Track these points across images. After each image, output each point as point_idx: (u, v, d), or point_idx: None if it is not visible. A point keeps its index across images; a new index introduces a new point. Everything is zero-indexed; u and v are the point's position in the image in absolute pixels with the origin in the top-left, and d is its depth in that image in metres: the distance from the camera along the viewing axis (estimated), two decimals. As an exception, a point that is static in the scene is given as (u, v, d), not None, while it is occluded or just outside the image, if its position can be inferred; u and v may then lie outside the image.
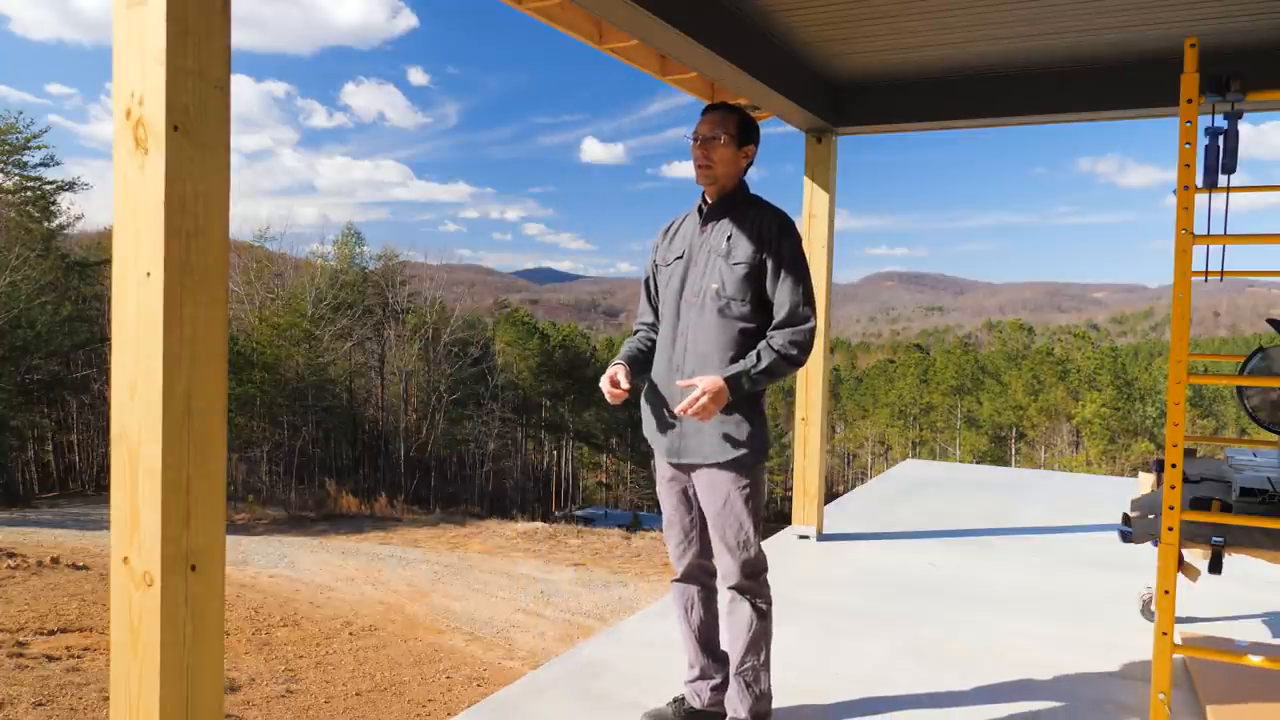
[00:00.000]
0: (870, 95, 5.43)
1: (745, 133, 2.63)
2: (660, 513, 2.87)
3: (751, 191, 2.74)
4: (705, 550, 2.76)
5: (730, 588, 2.64)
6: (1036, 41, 4.56)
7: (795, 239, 2.62)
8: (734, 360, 2.55)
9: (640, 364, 2.77)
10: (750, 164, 2.68)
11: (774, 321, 2.58)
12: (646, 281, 2.86)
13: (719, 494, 2.59)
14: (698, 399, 2.40)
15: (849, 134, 5.58)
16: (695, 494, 2.69)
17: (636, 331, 2.88)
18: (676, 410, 2.44)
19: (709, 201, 2.68)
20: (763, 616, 2.63)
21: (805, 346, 2.54)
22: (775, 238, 2.58)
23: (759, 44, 4.45)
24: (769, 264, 2.56)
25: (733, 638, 2.66)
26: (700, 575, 2.82)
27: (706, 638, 2.86)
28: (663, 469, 2.74)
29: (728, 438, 2.55)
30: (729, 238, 2.61)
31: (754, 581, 2.63)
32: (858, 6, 4.14)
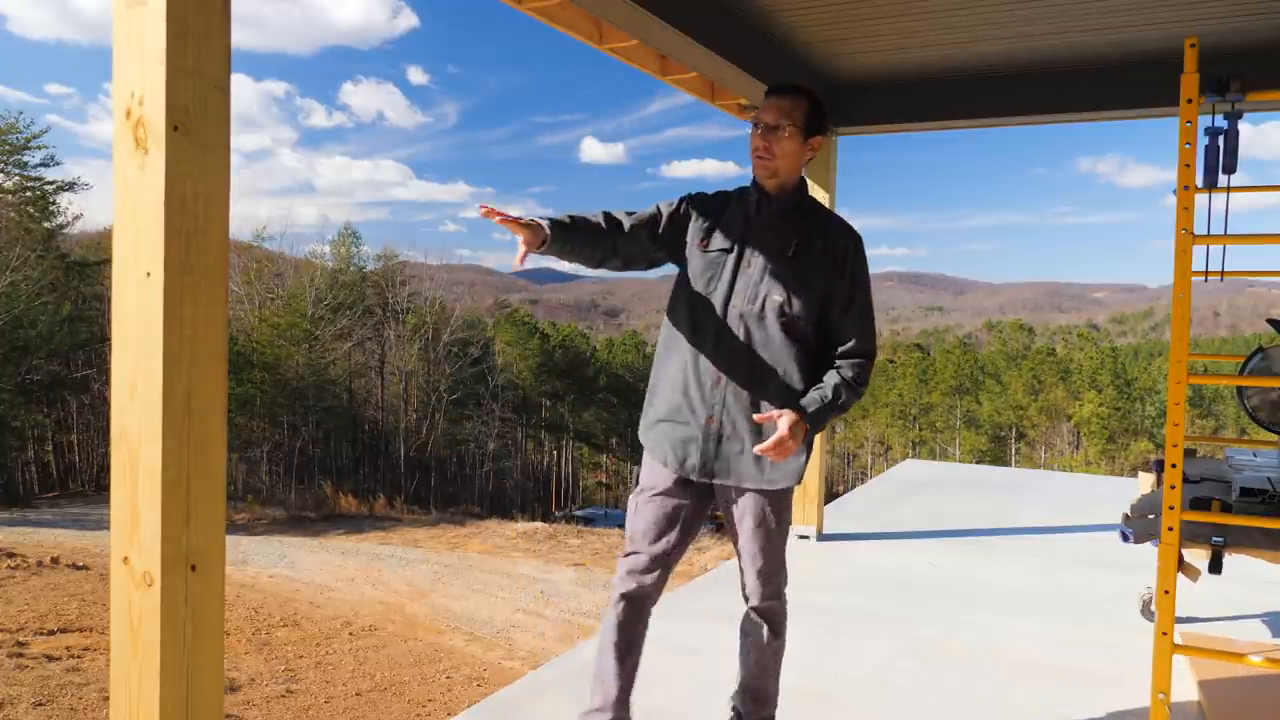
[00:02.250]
0: (870, 95, 5.43)
1: (813, 124, 2.35)
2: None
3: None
4: (668, 573, 2.47)
5: (753, 608, 2.52)
6: (1037, 41, 4.56)
7: (867, 262, 2.43)
8: (795, 384, 2.33)
9: (572, 233, 2.22)
10: (814, 156, 2.42)
11: (840, 350, 2.37)
12: (655, 216, 2.42)
13: (758, 515, 2.40)
14: (783, 440, 2.16)
15: (849, 134, 5.58)
16: (691, 514, 2.42)
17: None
18: (757, 449, 2.17)
19: (768, 195, 2.38)
20: (778, 635, 2.54)
21: (868, 381, 2.40)
22: (852, 260, 2.37)
23: (759, 44, 4.45)
24: (843, 288, 2.34)
25: (744, 652, 2.57)
26: (650, 605, 2.48)
27: (632, 682, 2.46)
28: (662, 481, 2.41)
29: (784, 462, 2.32)
30: (797, 245, 2.34)
31: (777, 601, 2.52)
32: (858, 6, 4.15)
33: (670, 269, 2.54)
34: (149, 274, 1.61)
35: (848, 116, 5.47)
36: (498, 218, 2.04)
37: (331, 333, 39.77)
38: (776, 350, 2.31)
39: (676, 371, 2.40)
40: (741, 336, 2.32)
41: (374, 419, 42.02)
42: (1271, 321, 3.27)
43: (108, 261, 19.11)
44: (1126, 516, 3.16)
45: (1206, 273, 2.57)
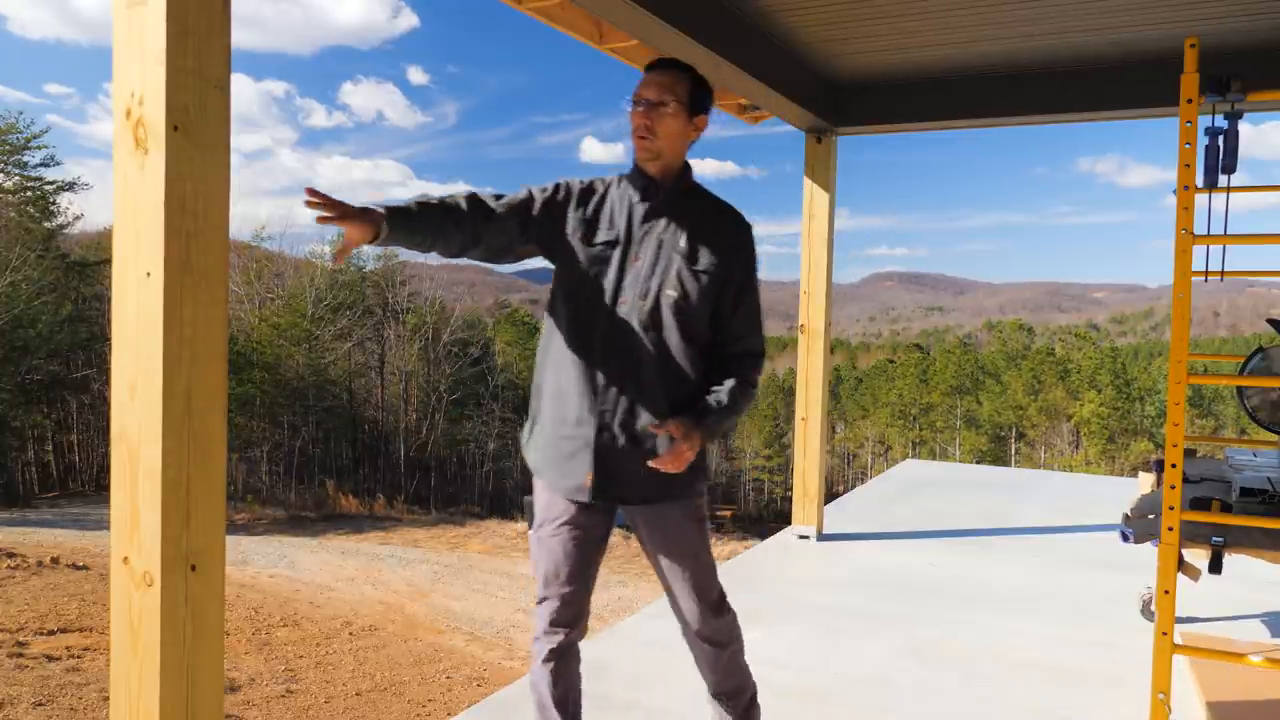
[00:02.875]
0: (870, 95, 5.43)
1: (697, 100, 2.14)
2: None
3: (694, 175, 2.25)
4: (588, 612, 2.27)
5: (697, 634, 2.29)
6: (1037, 41, 4.56)
7: (756, 254, 2.23)
8: (691, 386, 2.12)
9: (418, 220, 1.94)
10: (699, 136, 2.18)
11: (731, 350, 2.17)
12: (527, 202, 2.13)
13: (679, 531, 2.19)
14: (680, 451, 1.98)
15: (849, 134, 5.57)
16: (599, 539, 2.22)
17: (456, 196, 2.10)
18: (651, 463, 1.98)
19: (653, 181, 2.15)
20: (728, 645, 2.34)
21: (758, 382, 2.19)
22: (743, 250, 2.17)
23: (759, 44, 4.45)
24: (735, 280, 2.14)
25: (702, 665, 2.37)
26: (577, 650, 2.27)
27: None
28: (563, 511, 2.16)
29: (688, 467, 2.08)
30: (689, 235, 2.12)
31: (720, 619, 2.28)
32: (858, 6, 4.15)
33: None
34: (149, 274, 1.61)
35: (848, 116, 5.46)
36: (319, 214, 1.74)
37: (331, 333, 39.77)
38: (672, 350, 2.09)
39: (561, 379, 2.14)
40: (633, 337, 2.08)
41: (374, 419, 42.01)
42: (1271, 321, 3.27)
43: (108, 261, 19.12)
44: (1126, 516, 3.16)
45: (1206, 273, 2.57)
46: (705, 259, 2.11)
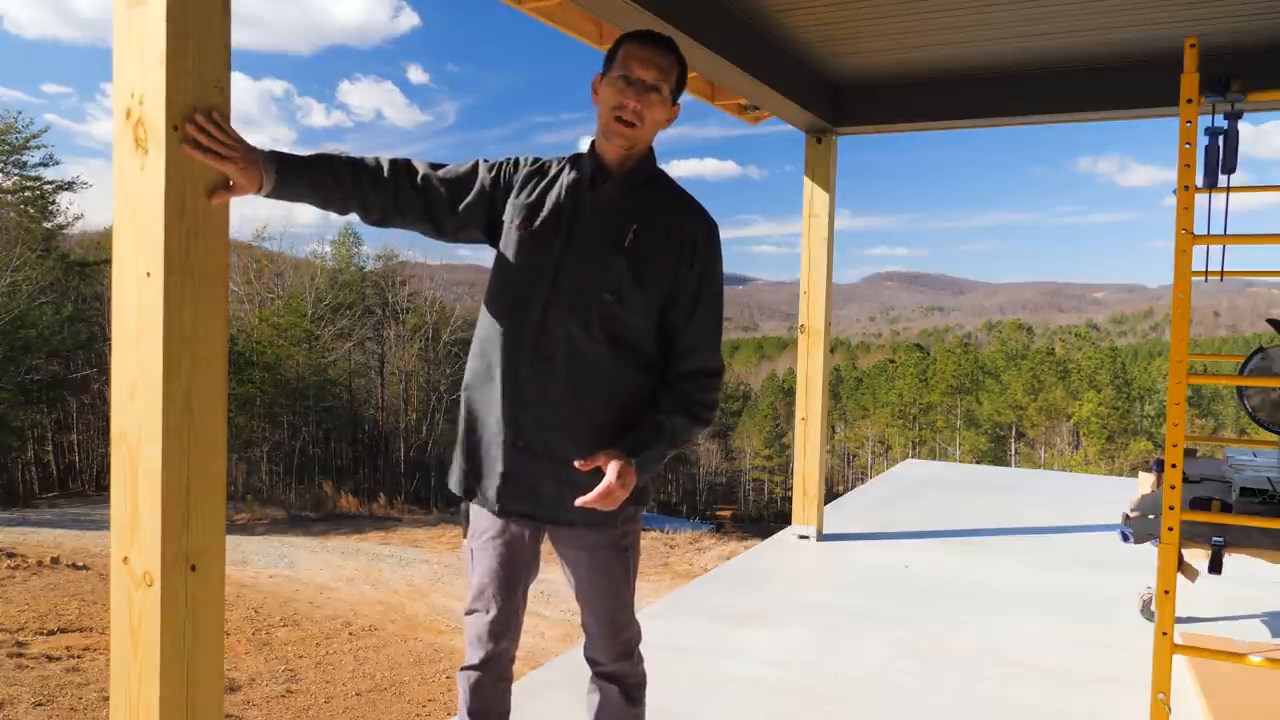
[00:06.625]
0: (870, 95, 5.43)
1: (680, 88, 1.93)
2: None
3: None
4: (518, 629, 2.07)
5: (601, 673, 2.06)
6: (1037, 41, 4.56)
7: (720, 259, 1.95)
8: (627, 407, 1.87)
9: (317, 174, 1.78)
10: (667, 127, 1.99)
11: (680, 368, 1.90)
12: (466, 179, 1.96)
13: (598, 561, 1.97)
14: (610, 490, 1.73)
15: (849, 134, 5.58)
16: (533, 552, 2.03)
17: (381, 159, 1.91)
18: (579, 502, 1.74)
19: (604, 167, 1.91)
20: (635, 702, 2.08)
21: (716, 404, 1.95)
22: (702, 249, 1.90)
23: (759, 44, 4.45)
24: (688, 284, 1.89)
25: None
26: (510, 660, 2.07)
27: None
28: (489, 523, 1.98)
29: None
30: (636, 231, 1.86)
31: (628, 663, 2.06)
32: (858, 6, 4.15)
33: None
34: (149, 274, 1.61)
35: (847, 116, 5.47)
36: (195, 143, 1.60)
37: (331, 333, 39.80)
38: (604, 365, 1.85)
39: (486, 386, 1.92)
40: (563, 347, 1.84)
41: (374, 419, 42.02)
42: (1271, 321, 3.27)
43: (108, 261, 19.12)
44: (1126, 516, 3.16)
45: (1206, 273, 2.57)
46: (649, 260, 1.86)
